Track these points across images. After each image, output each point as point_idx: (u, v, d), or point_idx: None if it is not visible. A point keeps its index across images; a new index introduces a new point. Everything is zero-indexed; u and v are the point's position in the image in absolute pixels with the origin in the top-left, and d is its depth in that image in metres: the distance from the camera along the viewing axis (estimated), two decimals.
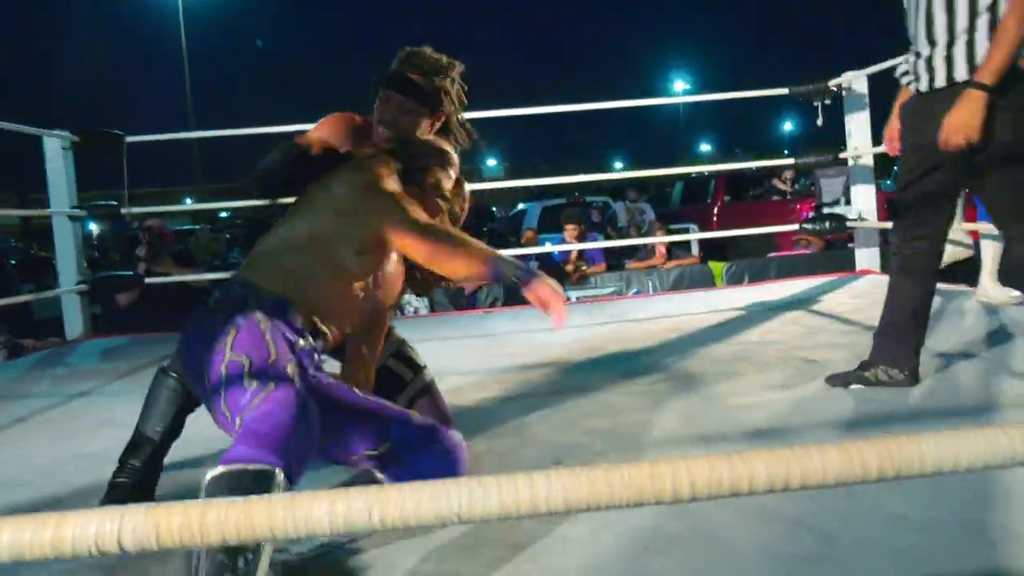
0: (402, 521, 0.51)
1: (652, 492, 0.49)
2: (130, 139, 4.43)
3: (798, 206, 10.67)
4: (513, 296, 6.49)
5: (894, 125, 2.50)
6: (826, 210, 9.63)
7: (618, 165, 44.56)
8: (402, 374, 2.12)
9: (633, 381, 2.65)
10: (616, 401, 2.41)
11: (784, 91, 4.71)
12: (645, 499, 0.50)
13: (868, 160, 4.79)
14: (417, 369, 2.13)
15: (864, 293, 4.09)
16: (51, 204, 4.43)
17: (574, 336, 3.66)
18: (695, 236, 8.23)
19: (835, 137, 5.03)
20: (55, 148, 4.38)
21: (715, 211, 11.59)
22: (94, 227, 10.04)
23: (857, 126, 4.76)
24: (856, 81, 4.66)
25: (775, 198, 11.45)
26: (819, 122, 4.66)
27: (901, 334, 2.28)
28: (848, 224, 4.66)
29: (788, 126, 51.33)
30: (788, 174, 11.59)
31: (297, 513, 0.49)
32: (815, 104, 4.60)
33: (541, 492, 0.51)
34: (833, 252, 7.58)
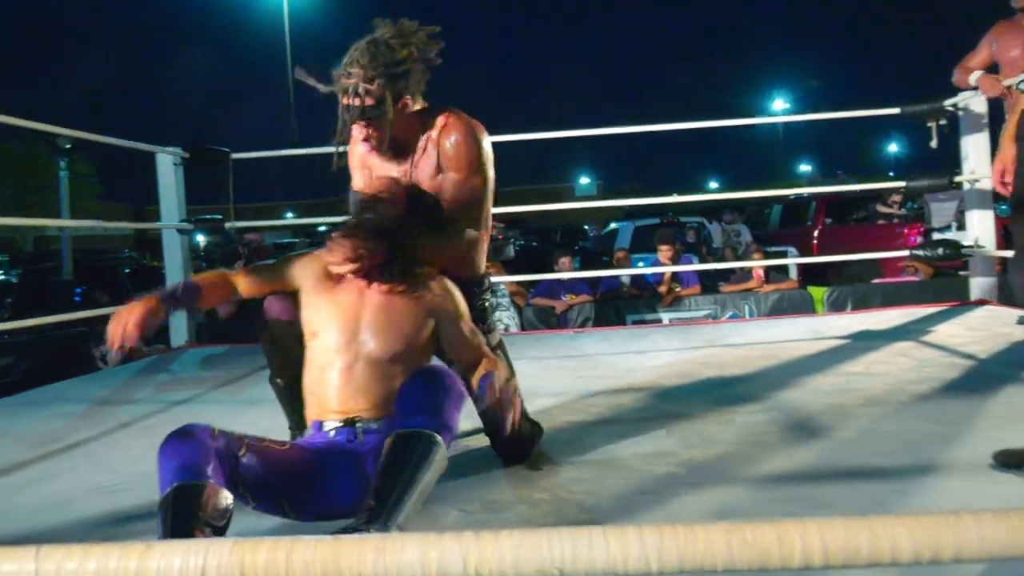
0: (499, 570, 0.47)
1: (778, 556, 0.44)
2: (235, 156, 4.60)
3: (905, 231, 10.19)
4: (603, 317, 6.41)
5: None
6: (936, 236, 9.18)
7: (712, 185, 43.75)
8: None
9: (729, 410, 2.54)
10: (712, 431, 2.31)
11: (895, 110, 4.50)
12: (770, 563, 0.45)
13: (986, 184, 4.51)
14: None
15: (979, 325, 3.84)
16: (161, 217, 4.64)
17: (667, 360, 3.56)
18: (794, 260, 7.96)
19: (946, 159, 4.76)
20: (167, 164, 4.58)
21: (815, 234, 11.18)
22: (201, 239, 10.47)
23: (974, 148, 4.50)
24: (974, 101, 4.41)
25: (880, 222, 10.96)
26: (933, 144, 4.42)
27: None
28: (963, 251, 4.39)
29: (893, 147, 49.32)
30: (895, 197, 11.10)
31: (388, 557, 0.46)
32: (928, 125, 4.37)
33: (652, 548, 0.46)
34: (942, 280, 7.19)
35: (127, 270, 15.01)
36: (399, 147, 2.03)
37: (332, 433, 1.70)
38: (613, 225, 14.25)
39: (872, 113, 4.66)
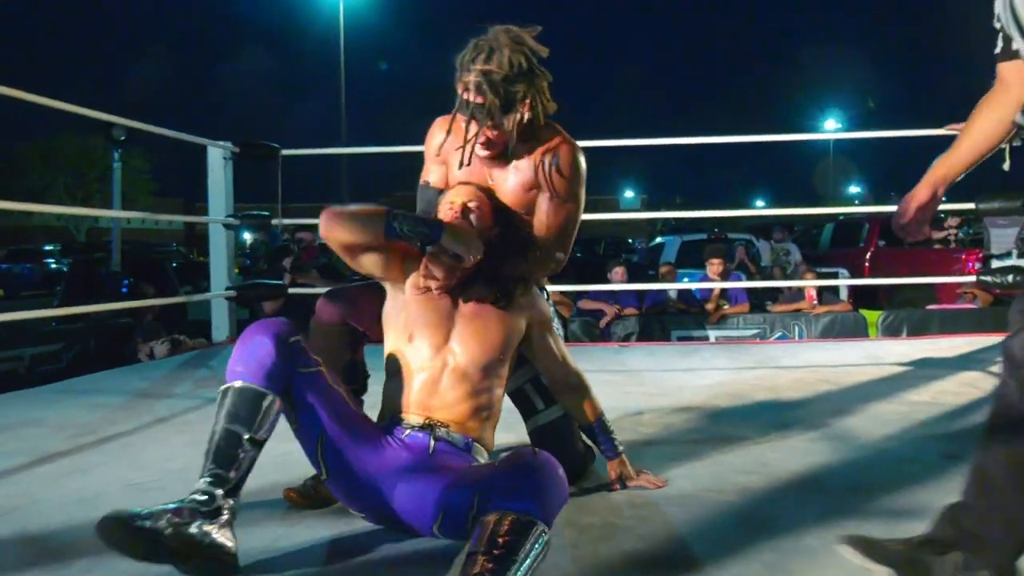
0: None
1: None
2: (285, 152, 4.58)
3: (963, 256, 9.85)
4: (648, 332, 6.26)
5: None
6: (995, 262, 8.84)
7: (759, 203, 42.99)
8: (535, 401, 2.02)
9: (786, 434, 2.41)
10: (770, 456, 2.18)
11: (956, 131, 4.29)
12: None
13: None
14: (550, 402, 2.01)
15: None
16: (209, 212, 4.63)
17: (716, 379, 3.43)
18: (847, 282, 7.73)
19: (1014, 182, 4.53)
20: (217, 158, 4.58)
21: (868, 256, 10.86)
22: (248, 236, 10.56)
23: None
24: None
25: (936, 246, 10.62)
26: (1005, 166, 4.20)
27: None
28: None
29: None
30: (952, 221, 10.76)
31: None
32: (1002, 145, 4.16)
33: None
34: (1002, 308, 6.91)
35: (175, 264, 15.27)
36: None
37: (408, 432, 1.66)
38: (659, 240, 14.05)
39: (932, 133, 4.45)
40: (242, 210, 4.70)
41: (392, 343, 1.78)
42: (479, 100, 1.76)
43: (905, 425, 2.50)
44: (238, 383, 1.51)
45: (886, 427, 2.47)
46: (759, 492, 1.90)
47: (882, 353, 3.94)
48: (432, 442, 1.64)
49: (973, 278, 8.22)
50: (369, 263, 1.76)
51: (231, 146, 4.57)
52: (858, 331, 5.93)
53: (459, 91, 1.81)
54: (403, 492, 1.55)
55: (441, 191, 1.94)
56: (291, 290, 4.88)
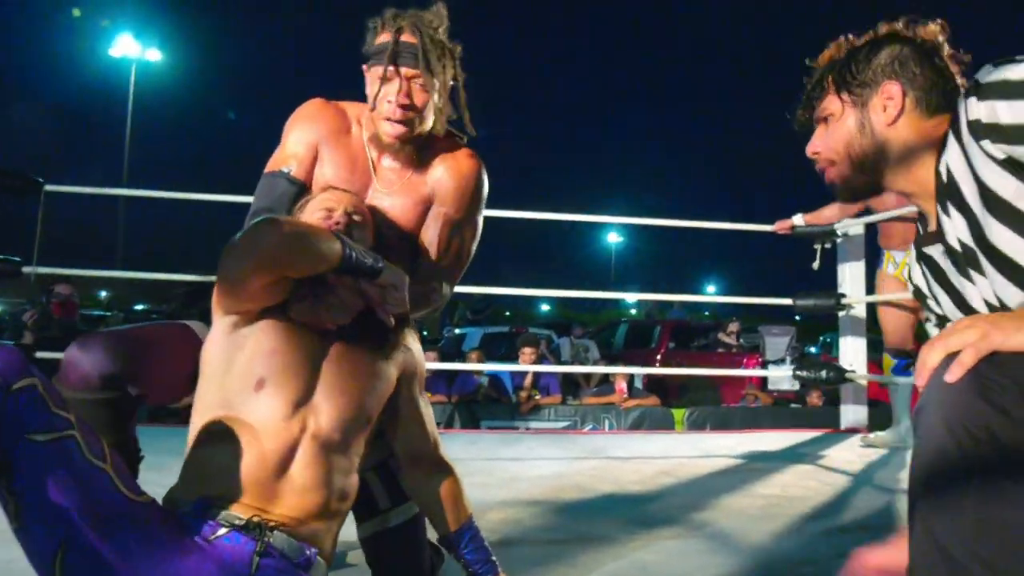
0: None
1: None
2: (49, 188, 3.80)
3: (744, 359, 10.47)
4: (456, 422, 5.86)
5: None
6: (772, 368, 9.44)
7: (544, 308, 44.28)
8: (378, 498, 1.53)
9: (654, 532, 2.09)
10: (647, 560, 1.83)
11: (767, 228, 4.42)
12: None
13: (860, 311, 4.50)
14: (399, 498, 1.54)
15: (865, 451, 3.66)
16: None
17: (552, 470, 3.09)
18: (646, 371, 7.82)
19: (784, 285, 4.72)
20: None
21: (659, 357, 11.30)
22: None
23: (851, 274, 4.50)
24: (853, 227, 4.42)
25: (720, 350, 11.26)
26: (815, 265, 4.36)
27: None
28: (847, 375, 4.27)
29: (712, 289, 52.31)
30: (733, 327, 11.50)
31: None
32: (815, 247, 4.32)
33: None
34: (792, 408, 7.27)
35: None
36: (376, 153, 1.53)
37: (222, 533, 1.09)
38: (458, 331, 13.85)
39: (747, 228, 4.56)
40: None
41: (218, 395, 1.21)
42: (412, 40, 1.39)
43: (775, 521, 2.26)
44: None
45: (757, 523, 2.22)
46: None
47: (712, 447, 3.81)
48: (256, 557, 1.08)
49: (766, 372, 8.71)
50: (267, 292, 1.23)
51: None
52: (666, 425, 5.92)
53: (381, 39, 1.43)
54: None
55: (301, 186, 1.47)
56: (38, 353, 3.98)
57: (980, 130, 0.95)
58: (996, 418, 0.82)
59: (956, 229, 1.04)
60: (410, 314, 1.41)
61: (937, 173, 1.07)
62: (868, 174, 1.15)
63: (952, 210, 1.04)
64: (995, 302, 1.02)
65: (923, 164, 1.10)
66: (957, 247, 1.05)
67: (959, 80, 1.12)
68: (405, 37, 1.43)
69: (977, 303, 1.06)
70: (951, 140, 1.03)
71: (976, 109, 0.95)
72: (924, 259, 1.17)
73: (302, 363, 1.22)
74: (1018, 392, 0.83)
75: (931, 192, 1.09)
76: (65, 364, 1.32)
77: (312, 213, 1.37)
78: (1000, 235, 0.97)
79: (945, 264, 1.11)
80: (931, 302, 1.18)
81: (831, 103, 1.17)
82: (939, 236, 1.09)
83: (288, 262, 1.18)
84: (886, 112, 1.12)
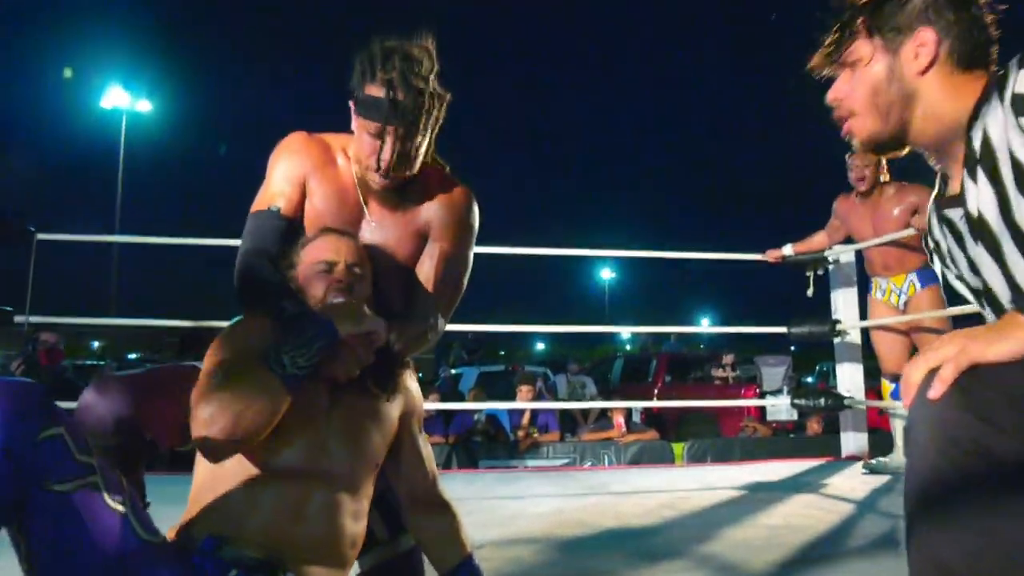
0: None
1: None
2: (41, 236, 3.80)
3: (741, 391, 10.43)
4: (454, 462, 5.80)
5: None
6: (769, 398, 9.42)
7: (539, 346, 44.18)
8: (375, 529, 1.52)
9: (658, 566, 2.06)
10: None
11: (757, 256, 4.44)
12: None
13: (855, 337, 4.50)
14: (398, 530, 1.53)
15: (867, 478, 3.64)
16: None
17: (552, 507, 3.05)
18: (645, 404, 7.78)
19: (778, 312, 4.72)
20: None
21: (655, 391, 11.24)
22: None
23: (844, 300, 4.51)
24: (844, 255, 4.45)
25: (717, 382, 11.22)
26: (809, 292, 4.38)
27: None
28: (845, 402, 4.26)
29: (706, 321, 52.28)
30: (728, 359, 11.46)
31: None
32: (807, 274, 4.34)
33: None
34: (793, 438, 7.23)
35: None
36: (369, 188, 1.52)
37: (232, 574, 1.08)
38: (454, 371, 13.80)
39: (756, 257, 4.58)
40: None
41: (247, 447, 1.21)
42: (401, 97, 1.38)
43: (779, 551, 2.23)
44: None
45: (761, 554, 2.19)
46: None
47: (714, 479, 3.77)
48: None
49: (760, 401, 8.68)
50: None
51: None
52: (666, 459, 5.87)
53: (372, 90, 1.41)
54: None
55: (291, 221, 1.47)
56: None
57: (1022, 105, 0.90)
58: (984, 430, 0.82)
59: (981, 199, 0.99)
60: (409, 353, 1.41)
61: (968, 136, 1.01)
62: (893, 125, 1.09)
63: (981, 178, 0.99)
64: (1003, 278, 0.99)
65: (952, 121, 1.04)
66: (975, 215, 1.00)
67: (993, 33, 1.06)
68: (398, 96, 1.40)
69: (988, 272, 1.02)
70: (994, 104, 0.97)
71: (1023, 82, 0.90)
72: (944, 221, 1.11)
73: (315, 409, 1.23)
74: (1003, 402, 0.83)
75: (957, 152, 1.04)
76: (81, 408, 1.33)
77: (311, 266, 1.36)
78: None
79: (963, 228, 1.06)
80: (949, 262, 1.13)
81: (861, 47, 1.09)
82: (961, 200, 1.04)
83: (254, 421, 1.11)
84: (917, 60, 1.05)
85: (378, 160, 1.41)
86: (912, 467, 0.88)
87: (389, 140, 1.40)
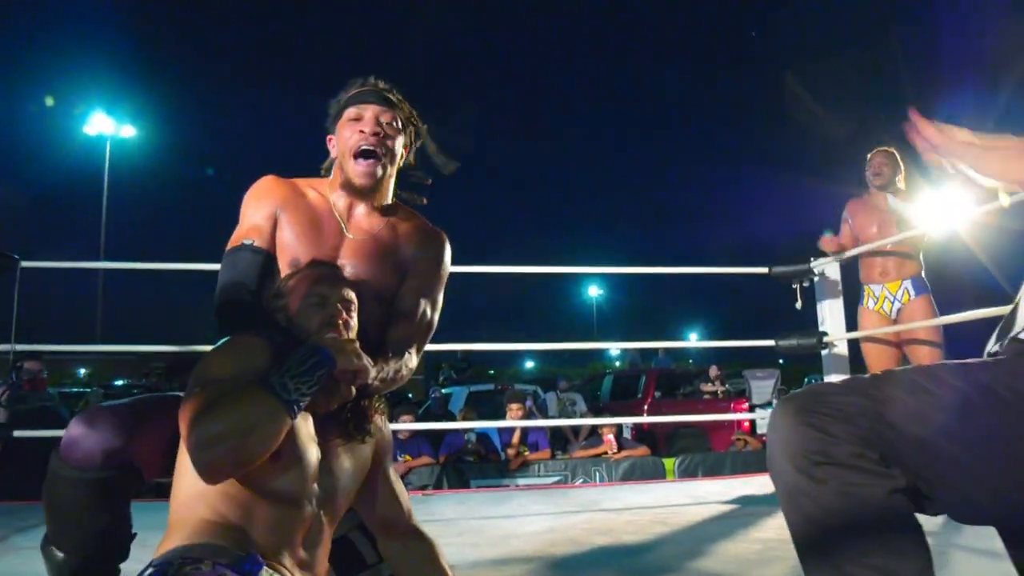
0: None
1: None
2: (25, 264, 3.78)
3: (731, 405, 10.44)
4: (445, 483, 5.77)
5: None
6: (759, 411, 9.43)
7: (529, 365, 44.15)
8: (364, 554, 1.52)
9: None
10: None
11: (763, 270, 4.47)
12: None
13: (843, 348, 4.52)
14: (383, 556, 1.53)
15: None
16: None
17: (544, 525, 3.04)
18: (637, 420, 7.77)
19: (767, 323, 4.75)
20: None
21: (645, 407, 11.23)
22: None
23: (831, 312, 4.54)
24: (829, 267, 4.48)
25: (705, 397, 11.24)
26: (798, 305, 4.40)
27: None
28: None
29: (694, 336, 52.29)
30: (713, 372, 11.48)
31: None
32: (793, 286, 4.36)
33: None
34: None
35: None
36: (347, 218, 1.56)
37: None
38: (443, 391, 13.76)
39: (741, 271, 4.61)
40: None
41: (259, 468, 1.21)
42: (382, 86, 1.49)
43: (773, 565, 2.23)
44: None
45: (755, 568, 2.19)
46: None
47: (703, 493, 3.77)
48: None
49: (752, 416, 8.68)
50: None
51: None
52: (657, 474, 5.87)
53: (349, 92, 1.53)
54: None
55: (266, 255, 1.47)
56: (15, 432, 3.89)
57: None
58: (825, 440, 0.99)
59: None
60: (383, 391, 1.42)
61: None
62: None
63: None
64: None
65: None
66: None
67: None
68: (378, 85, 1.51)
69: None
70: None
71: None
72: None
73: (308, 439, 1.24)
74: (835, 416, 1.01)
75: None
76: (68, 441, 1.32)
77: (304, 298, 1.35)
78: None
79: None
80: None
81: None
82: None
83: (258, 450, 1.11)
84: None
85: (358, 132, 1.46)
86: (778, 491, 1.06)
87: (368, 115, 1.46)
